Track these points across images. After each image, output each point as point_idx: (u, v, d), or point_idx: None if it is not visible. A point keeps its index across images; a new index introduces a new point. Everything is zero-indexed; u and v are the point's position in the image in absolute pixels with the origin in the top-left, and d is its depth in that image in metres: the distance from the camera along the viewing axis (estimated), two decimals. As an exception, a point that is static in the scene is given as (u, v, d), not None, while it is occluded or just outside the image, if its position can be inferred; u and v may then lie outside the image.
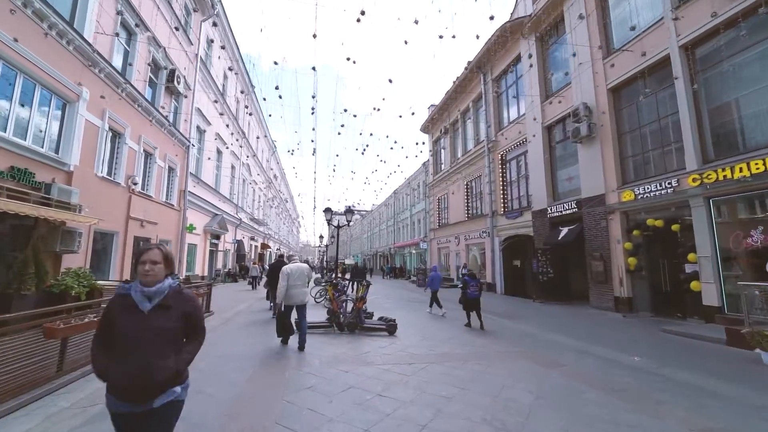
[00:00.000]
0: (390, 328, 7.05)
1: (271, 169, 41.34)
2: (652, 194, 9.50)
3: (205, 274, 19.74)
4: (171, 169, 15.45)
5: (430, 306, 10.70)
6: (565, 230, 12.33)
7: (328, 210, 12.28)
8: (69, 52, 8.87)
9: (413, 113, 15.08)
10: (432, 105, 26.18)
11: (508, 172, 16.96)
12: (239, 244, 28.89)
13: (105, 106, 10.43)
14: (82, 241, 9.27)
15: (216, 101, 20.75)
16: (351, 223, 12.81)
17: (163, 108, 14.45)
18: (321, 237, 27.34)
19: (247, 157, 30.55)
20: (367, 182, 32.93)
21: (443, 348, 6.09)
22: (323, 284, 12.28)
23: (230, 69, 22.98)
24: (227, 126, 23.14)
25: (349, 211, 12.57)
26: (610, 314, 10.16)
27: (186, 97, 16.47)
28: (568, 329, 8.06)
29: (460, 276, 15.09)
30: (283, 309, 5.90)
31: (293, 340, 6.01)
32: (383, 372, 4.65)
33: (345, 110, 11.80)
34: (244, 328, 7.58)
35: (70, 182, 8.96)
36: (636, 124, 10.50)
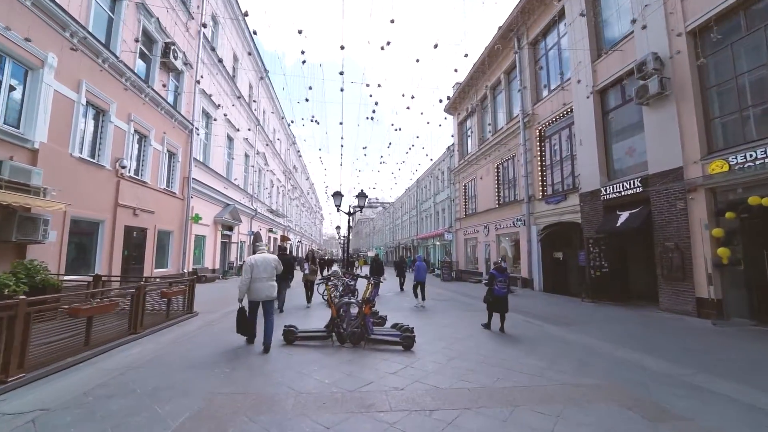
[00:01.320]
0: (406, 341, 5.28)
1: (292, 163, 40.33)
2: (757, 163, 7.10)
3: (217, 266, 18.75)
4: (172, 154, 14.29)
5: (415, 297, 10.41)
6: (624, 215, 10.01)
7: (337, 194, 10.62)
8: (27, 8, 7.57)
9: (440, 100, 13.07)
10: (457, 83, 23.83)
11: (547, 149, 14.59)
12: (256, 235, 28.04)
13: (81, 77, 9.18)
14: (53, 229, 8.10)
15: (225, 84, 19.50)
16: (363, 210, 11.11)
17: (163, 87, 13.24)
18: (338, 228, 25.82)
19: (266, 145, 29.51)
20: (396, 174, 31.12)
21: (479, 376, 4.25)
22: (320, 281, 10.74)
23: (247, 53, 21.67)
24: (239, 112, 21.96)
25: (361, 195, 10.85)
26: (691, 320, 7.89)
27: (187, 75, 15.23)
28: (647, 343, 5.98)
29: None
30: (245, 306, 5.27)
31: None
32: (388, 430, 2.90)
33: (376, 102, 10.04)
34: (220, 335, 6.06)
35: (35, 162, 7.74)
36: (728, 74, 8.02)
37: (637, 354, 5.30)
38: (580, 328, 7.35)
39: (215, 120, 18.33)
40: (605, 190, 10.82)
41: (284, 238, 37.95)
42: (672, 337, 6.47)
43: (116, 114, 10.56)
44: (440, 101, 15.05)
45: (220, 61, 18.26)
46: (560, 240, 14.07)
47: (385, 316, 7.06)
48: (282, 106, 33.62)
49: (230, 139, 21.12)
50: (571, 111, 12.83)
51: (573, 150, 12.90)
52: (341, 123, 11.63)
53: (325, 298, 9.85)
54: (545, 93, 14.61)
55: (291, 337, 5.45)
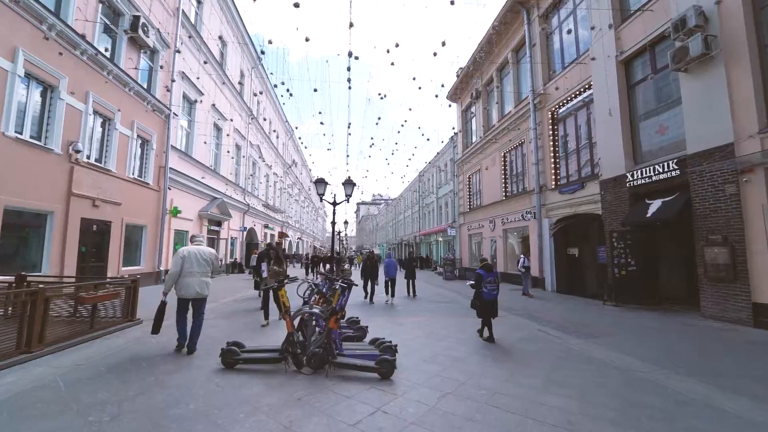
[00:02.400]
0: (383, 367, 3.88)
1: (291, 157, 38.97)
2: (839, 133, 5.57)
3: (202, 264, 17.51)
4: (145, 141, 13.00)
5: (386, 293, 10.28)
6: (656, 204, 8.50)
7: (320, 181, 9.23)
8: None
9: (443, 85, 11.63)
10: (461, 69, 22.25)
11: (561, 133, 13.05)
12: (250, 231, 26.82)
13: (17, 44, 7.87)
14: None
15: (211, 70, 18.17)
16: (350, 199, 9.71)
17: (133, 68, 11.93)
18: (333, 223, 24.46)
19: (261, 137, 28.19)
20: (395, 162, 29.66)
21: (483, 431, 2.85)
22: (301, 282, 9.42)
23: (238, 41, 20.16)
24: (228, 100, 20.65)
25: (349, 182, 9.45)
26: (747, 332, 6.40)
27: (164, 56, 13.90)
28: (705, 365, 4.52)
29: (520, 266, 11.82)
30: (166, 301, 4.70)
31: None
32: None
33: (382, 96, 8.73)
34: (148, 350, 4.73)
35: (-54, 139, 6.48)
36: (793, 26, 6.47)
37: (700, 385, 3.85)
38: (610, 341, 5.90)
39: (200, 102, 17.01)
40: (631, 176, 9.29)
41: (282, 235, 36.72)
42: (736, 357, 4.99)
43: (68, 91, 9.26)
44: (442, 86, 13.62)
45: (204, 43, 16.96)
46: (576, 234, 12.56)
47: (366, 327, 5.67)
48: (279, 99, 32.24)
49: (218, 128, 19.84)
50: (590, 87, 11.29)
51: (592, 132, 11.36)
52: (349, 124, 10.33)
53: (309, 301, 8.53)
54: (559, 70, 13.04)
55: (231, 359, 4.09)
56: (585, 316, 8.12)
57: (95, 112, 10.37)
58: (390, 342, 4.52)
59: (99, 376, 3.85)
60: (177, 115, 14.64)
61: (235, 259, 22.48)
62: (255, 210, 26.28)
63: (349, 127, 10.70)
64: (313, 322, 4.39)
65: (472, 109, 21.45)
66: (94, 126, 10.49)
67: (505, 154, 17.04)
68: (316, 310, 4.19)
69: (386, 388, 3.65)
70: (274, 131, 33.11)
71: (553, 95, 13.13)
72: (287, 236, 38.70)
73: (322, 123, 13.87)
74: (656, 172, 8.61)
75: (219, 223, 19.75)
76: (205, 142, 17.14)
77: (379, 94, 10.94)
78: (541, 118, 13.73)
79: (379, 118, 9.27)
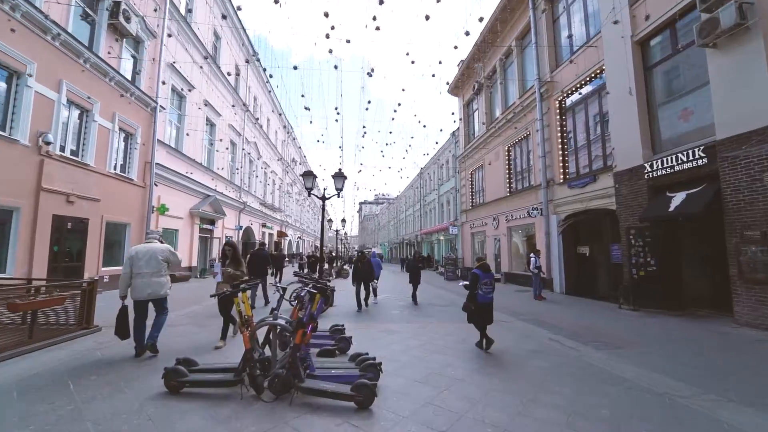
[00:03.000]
0: (361, 393, 3.09)
1: (291, 156, 38.24)
2: None
3: (194, 264, 16.85)
4: (128, 135, 12.32)
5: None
6: (679, 197, 7.64)
7: (308, 174, 8.45)
8: None
9: (433, 75, 10.79)
10: (462, 61, 21.40)
11: (570, 123, 12.18)
12: (247, 231, 26.16)
13: (-28, 24, 7.20)
14: None
15: (203, 63, 17.49)
16: (341, 194, 8.92)
17: (114, 57, 11.24)
18: (330, 221, 23.74)
19: (258, 134, 27.51)
20: (401, 170, 28.86)
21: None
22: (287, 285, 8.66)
23: (232, 35, 19.29)
24: (222, 95, 19.96)
25: (338, 175, 8.67)
26: (790, 340, 5.55)
27: (150, 46, 13.22)
28: (759, 387, 3.70)
29: (533, 266, 10.55)
30: (127, 305, 4.48)
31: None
32: None
33: (370, 73, 7.90)
34: (85, 368, 3.99)
35: None
36: None
37: (763, 418, 3.03)
38: (635, 354, 5.07)
39: (191, 96, 16.30)
40: (650, 167, 8.43)
41: (281, 234, 36.11)
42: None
43: (37, 78, 8.57)
44: (433, 76, 12.80)
45: (195, 35, 16.27)
46: (586, 231, 11.71)
47: (350, 338, 4.89)
48: (277, 96, 31.54)
49: (211, 124, 19.16)
50: (601, 73, 10.44)
51: (604, 121, 10.50)
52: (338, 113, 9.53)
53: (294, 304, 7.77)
54: (567, 56, 12.18)
55: (176, 381, 3.32)
56: (600, 322, 7.28)
57: (70, 102, 9.69)
58: (374, 359, 3.74)
59: (3, 405, 3.10)
60: (164, 108, 13.94)
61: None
62: (251, 208, 25.60)
63: (336, 110, 9.76)
64: (287, 335, 3.63)
65: (474, 103, 20.60)
66: (70, 117, 9.81)
67: (509, 148, 16.19)
68: (280, 321, 3.40)
69: (362, 423, 2.86)
70: (274, 129, 32.43)
71: (560, 83, 12.27)
72: (286, 236, 38.07)
73: (307, 108, 12.96)
74: (679, 162, 7.74)
75: (212, 222, 19.06)
76: (188, 135, 16.42)
77: (369, 72, 9.89)
78: (547, 108, 12.87)
79: (369, 102, 8.40)
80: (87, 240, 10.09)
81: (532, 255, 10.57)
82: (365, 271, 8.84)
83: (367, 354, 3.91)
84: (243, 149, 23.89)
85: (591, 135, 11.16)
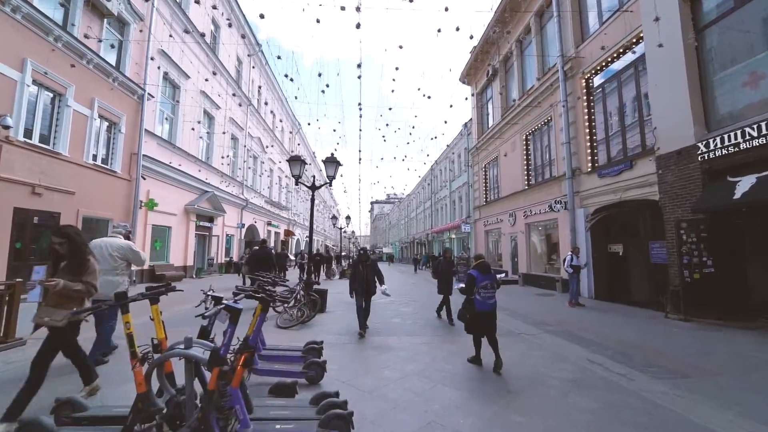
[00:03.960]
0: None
1: (297, 150, 37.33)
2: None
3: (189, 263, 15.96)
4: (111, 123, 11.42)
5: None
6: (747, 181, 6.16)
7: (295, 159, 7.29)
8: None
9: (450, 70, 9.53)
10: (474, 47, 19.95)
11: (599, 103, 10.69)
12: (251, 229, 25.33)
13: None
14: None
15: (200, 51, 16.61)
16: (332, 183, 7.72)
17: (92, 38, 10.34)
18: (334, 218, 22.65)
19: (263, 129, 26.65)
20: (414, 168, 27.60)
21: None
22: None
23: (233, 25, 18.25)
24: (222, 87, 19.05)
25: (331, 160, 7.47)
26: None
27: (136, 30, 12.32)
28: None
29: (567, 266, 8.92)
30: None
31: None
32: None
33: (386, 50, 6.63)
34: None
35: None
36: None
37: None
38: (711, 386, 3.71)
39: (186, 86, 15.42)
40: (705, 146, 6.93)
41: (288, 233, 35.26)
42: None
43: (-5, 54, 7.67)
44: (450, 71, 11.52)
45: (190, 22, 15.38)
46: (620, 227, 10.21)
47: (323, 363, 3.65)
48: (284, 90, 30.63)
49: (209, 116, 18.29)
50: (638, 42, 8.95)
51: (642, 97, 9.00)
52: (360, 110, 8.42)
53: (282, 324, 6.60)
54: (595, 28, 10.68)
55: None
56: (648, 337, 5.87)
57: (37, 84, 8.79)
58: (344, 404, 2.52)
59: None
60: (152, 97, 13.03)
61: (231, 258, 20.92)
62: (255, 206, 24.73)
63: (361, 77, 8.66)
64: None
65: (488, 92, 19.13)
66: (38, 100, 8.92)
67: (527, 136, 14.72)
68: (194, 352, 2.20)
69: None
70: (279, 122, 31.55)
71: (587, 59, 10.78)
72: (294, 234, 37.22)
73: (323, 91, 11.74)
74: (746, 138, 6.24)
75: (211, 219, 18.18)
76: (192, 129, 15.53)
77: (385, 50, 8.93)
78: (572, 88, 11.39)
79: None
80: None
81: (569, 253, 9.11)
82: (368, 278, 5.84)
83: (335, 395, 2.68)
84: (245, 145, 23.03)
85: (626, 115, 9.65)
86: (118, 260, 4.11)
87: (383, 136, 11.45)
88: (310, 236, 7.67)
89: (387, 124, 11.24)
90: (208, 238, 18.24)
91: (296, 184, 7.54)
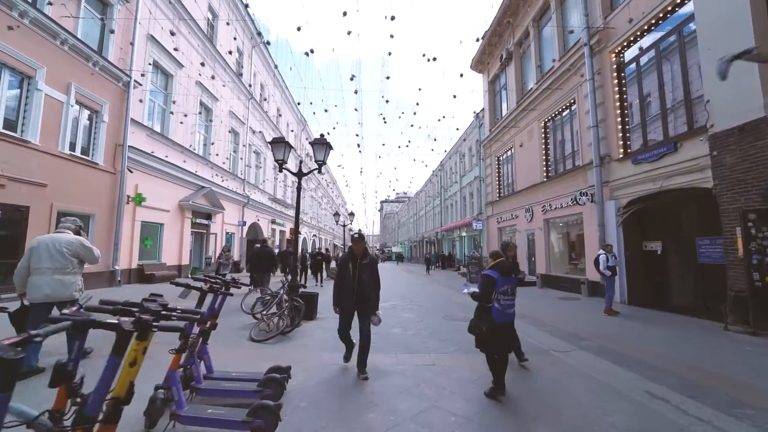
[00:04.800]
0: None
1: (304, 148, 36.41)
2: None
3: (185, 262, 15.13)
4: (93, 112, 10.59)
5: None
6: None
7: (279, 141, 6.23)
8: None
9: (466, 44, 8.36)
10: (486, 32, 18.61)
11: (633, 79, 9.34)
12: (254, 227, 24.54)
13: None
14: None
15: (194, 39, 15.76)
16: (322, 168, 6.64)
17: (67, 16, 9.51)
18: (337, 214, 21.63)
19: (266, 124, 25.84)
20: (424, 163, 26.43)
21: None
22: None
23: (232, 13, 17.26)
24: (220, 78, 18.19)
25: (320, 142, 6.39)
26: None
27: (124, 11, 11.48)
28: None
29: (603, 267, 7.55)
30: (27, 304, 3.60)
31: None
32: None
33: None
34: None
35: None
36: None
37: None
38: None
39: (179, 75, 14.57)
40: (779, 119, 5.59)
41: (294, 231, 34.37)
42: None
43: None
44: (467, 45, 10.27)
45: (184, 7, 14.52)
46: (658, 221, 8.86)
47: (277, 409, 2.53)
48: (288, 86, 29.76)
49: (207, 108, 17.45)
50: (681, 4, 7.61)
51: (686, 68, 7.65)
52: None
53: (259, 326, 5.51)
54: (627, -6, 9.33)
55: None
56: (714, 357, 4.61)
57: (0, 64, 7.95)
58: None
59: None
60: (140, 84, 12.18)
61: (231, 256, 20.06)
62: (258, 203, 23.90)
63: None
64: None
65: (502, 79, 17.80)
66: (1, 81, 8.08)
67: (546, 123, 13.38)
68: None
69: None
70: (287, 123, 30.72)
71: (618, 29, 9.42)
72: (300, 233, 36.40)
73: (353, 79, 10.76)
74: (840, 105, 4.90)
75: (209, 216, 17.35)
76: (181, 122, 14.67)
77: (391, 35, 7.83)
78: (600, 65, 10.05)
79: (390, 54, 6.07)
80: (27, 232, 8.34)
81: (602, 252, 7.81)
82: (363, 287, 3.95)
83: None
84: (247, 139, 22.20)
85: (666, 90, 8.29)
86: (68, 257, 3.80)
87: (383, 117, 10.29)
88: (296, 227, 6.62)
89: (387, 101, 10.06)
90: (205, 236, 17.41)
91: (280, 170, 6.47)
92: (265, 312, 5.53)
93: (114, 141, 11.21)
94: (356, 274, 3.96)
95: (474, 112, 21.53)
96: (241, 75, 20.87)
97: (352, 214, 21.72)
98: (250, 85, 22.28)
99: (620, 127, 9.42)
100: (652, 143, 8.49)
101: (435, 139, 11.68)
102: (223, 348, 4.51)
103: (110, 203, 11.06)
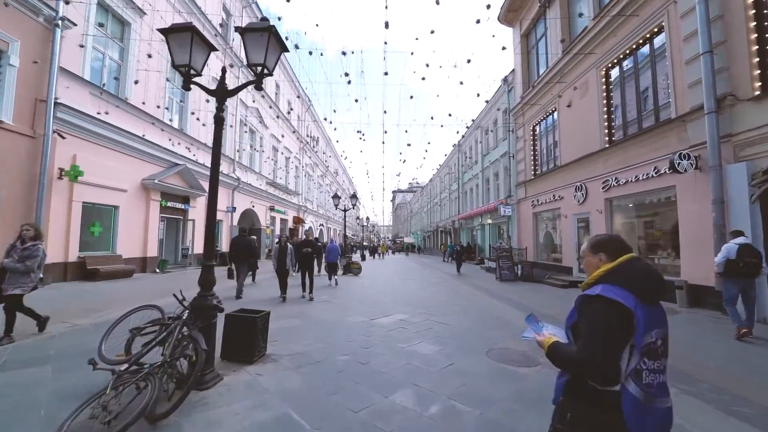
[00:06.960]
0: None
1: (310, 135, 33.43)
2: None
3: (151, 254, 12.49)
4: (-6, 52, 7.84)
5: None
6: None
7: (180, 28, 3.27)
8: None
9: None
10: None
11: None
12: (249, 215, 21.89)
13: None
14: None
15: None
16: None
17: None
18: (336, 197, 18.66)
19: (266, 103, 22.96)
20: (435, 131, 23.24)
21: None
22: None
23: None
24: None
25: (256, 27, 3.40)
26: None
27: None
28: None
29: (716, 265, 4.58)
30: None
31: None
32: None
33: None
34: None
35: None
36: None
37: None
38: None
39: (140, 23, 11.69)
40: None
41: (297, 220, 31.74)
42: None
43: None
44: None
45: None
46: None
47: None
48: (290, 64, 26.71)
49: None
50: None
51: None
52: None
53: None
54: None
55: None
56: None
57: None
58: None
59: None
60: (75, 25, 9.36)
61: (218, 248, 17.44)
62: (251, 187, 21.12)
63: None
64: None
65: (539, 27, 14.29)
66: None
67: (607, 70, 9.99)
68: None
69: None
70: (288, 102, 27.74)
71: None
72: (304, 222, 33.68)
73: (344, 53, 8.06)
74: None
75: (186, 200, 14.67)
76: (136, 81, 11.82)
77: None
78: (717, -41, 6.61)
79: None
80: None
81: (739, 239, 4.64)
82: None
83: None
84: (238, 113, 19.36)
85: None
86: None
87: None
88: (212, 195, 3.65)
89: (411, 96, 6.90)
90: (182, 222, 14.76)
91: (187, 88, 3.53)
92: (132, 360, 2.64)
93: (34, 95, 8.47)
94: None
95: (503, 79, 17.99)
96: (224, 36, 17.86)
97: (354, 197, 18.68)
98: (240, 57, 19.35)
99: (756, 48, 6.04)
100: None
101: (461, 83, 8.43)
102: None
103: (27, 176, 8.39)
